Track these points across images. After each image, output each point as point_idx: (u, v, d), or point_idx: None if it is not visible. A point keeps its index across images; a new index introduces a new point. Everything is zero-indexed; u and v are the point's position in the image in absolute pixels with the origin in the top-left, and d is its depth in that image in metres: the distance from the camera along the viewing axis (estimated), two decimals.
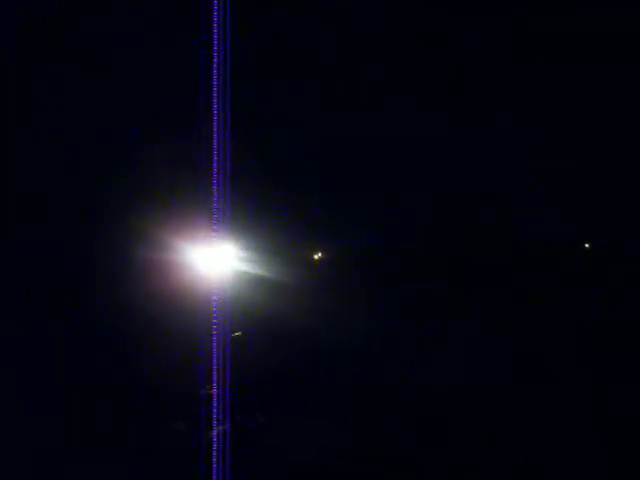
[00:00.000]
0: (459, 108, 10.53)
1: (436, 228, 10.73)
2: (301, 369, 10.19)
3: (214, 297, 9.53)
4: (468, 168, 10.66)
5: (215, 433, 9.37)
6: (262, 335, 10.15)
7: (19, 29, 10.30)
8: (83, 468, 9.44)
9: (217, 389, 9.44)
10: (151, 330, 9.93)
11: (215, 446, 9.25)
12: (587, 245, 10.93)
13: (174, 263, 10.06)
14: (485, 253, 10.75)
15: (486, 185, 10.67)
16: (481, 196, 10.69)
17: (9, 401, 9.61)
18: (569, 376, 10.22)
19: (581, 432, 9.80)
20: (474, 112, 10.55)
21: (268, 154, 10.48)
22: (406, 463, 9.68)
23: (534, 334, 10.38)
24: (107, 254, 10.11)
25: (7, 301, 10.03)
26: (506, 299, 10.51)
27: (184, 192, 9.94)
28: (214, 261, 9.86)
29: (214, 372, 9.41)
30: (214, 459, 9.20)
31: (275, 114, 10.44)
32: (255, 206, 10.17)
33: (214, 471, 9.11)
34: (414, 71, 10.56)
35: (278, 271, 10.33)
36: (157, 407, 9.79)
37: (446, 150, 10.66)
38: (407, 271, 10.58)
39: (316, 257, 10.90)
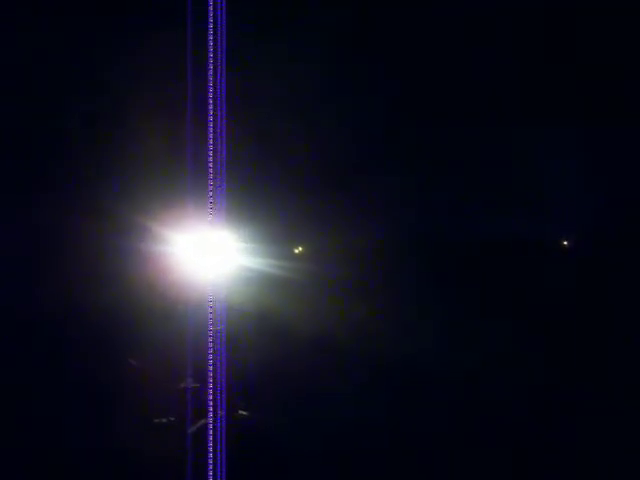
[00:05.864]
0: None
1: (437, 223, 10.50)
2: (298, 366, 9.91)
3: (209, 291, 9.26)
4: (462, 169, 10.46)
5: (200, 426, 9.11)
6: (257, 331, 9.90)
7: None
8: (68, 464, 9.15)
9: (211, 383, 9.15)
10: (140, 324, 9.65)
11: (210, 441, 8.95)
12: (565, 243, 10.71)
13: (165, 254, 9.77)
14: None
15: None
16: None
17: None
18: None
19: None
20: None
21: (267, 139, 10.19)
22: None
23: None
24: (94, 245, 9.81)
25: None
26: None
27: (177, 177, 9.65)
28: (209, 252, 9.58)
29: (209, 367, 9.12)
30: (210, 453, 8.90)
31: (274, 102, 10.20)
32: (254, 194, 9.89)
33: (209, 466, 8.81)
34: None
35: (276, 264, 10.06)
36: (144, 402, 9.50)
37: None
38: (407, 266, 10.32)
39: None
